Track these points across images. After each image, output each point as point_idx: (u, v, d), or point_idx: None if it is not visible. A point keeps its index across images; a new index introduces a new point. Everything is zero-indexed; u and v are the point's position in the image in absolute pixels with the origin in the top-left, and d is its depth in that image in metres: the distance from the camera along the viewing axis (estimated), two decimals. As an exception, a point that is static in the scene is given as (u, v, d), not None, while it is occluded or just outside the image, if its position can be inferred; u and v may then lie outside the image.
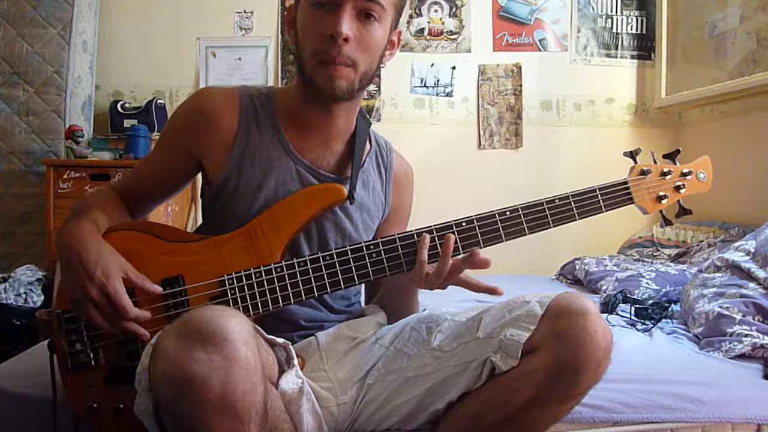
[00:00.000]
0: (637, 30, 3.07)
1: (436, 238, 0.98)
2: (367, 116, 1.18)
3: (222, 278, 0.97)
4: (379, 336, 1.10)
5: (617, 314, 1.77)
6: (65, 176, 2.46)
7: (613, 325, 1.60)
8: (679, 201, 1.08)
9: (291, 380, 0.91)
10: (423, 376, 1.00)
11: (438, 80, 3.03)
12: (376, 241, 0.99)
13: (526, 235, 1.01)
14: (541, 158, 3.03)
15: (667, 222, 1.10)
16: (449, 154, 3.01)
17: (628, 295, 1.88)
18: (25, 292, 2.24)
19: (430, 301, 1.24)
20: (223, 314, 0.75)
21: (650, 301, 1.82)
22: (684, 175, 1.07)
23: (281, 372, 0.92)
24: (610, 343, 0.89)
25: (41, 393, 1.07)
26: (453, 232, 0.99)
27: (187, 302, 0.97)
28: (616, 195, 1.04)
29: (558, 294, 0.94)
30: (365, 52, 1.01)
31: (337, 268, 0.98)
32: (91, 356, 0.95)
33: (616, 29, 3.07)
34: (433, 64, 3.04)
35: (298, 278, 0.98)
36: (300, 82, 1.07)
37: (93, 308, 0.90)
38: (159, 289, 0.95)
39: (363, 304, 1.25)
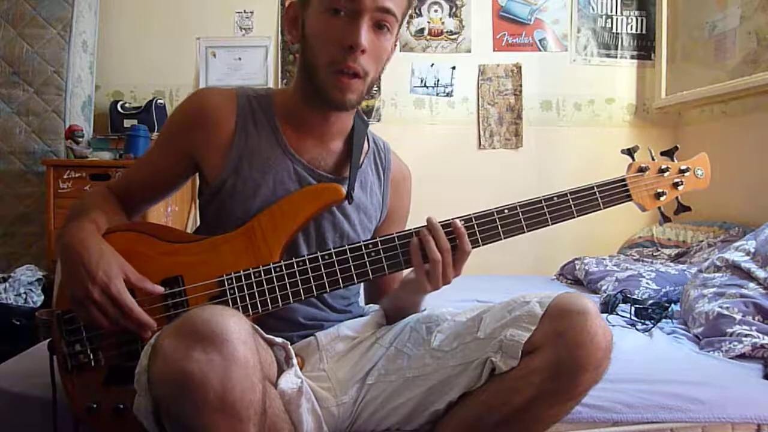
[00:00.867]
0: (637, 30, 3.07)
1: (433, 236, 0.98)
2: (364, 116, 1.18)
3: (221, 278, 0.97)
4: (379, 336, 1.09)
5: (617, 314, 1.77)
6: (65, 176, 2.46)
7: (613, 325, 1.60)
8: (677, 198, 1.09)
9: (290, 380, 0.91)
10: (423, 376, 1.00)
11: (438, 80, 3.03)
12: (374, 241, 0.99)
13: (524, 232, 1.01)
14: (541, 158, 3.03)
15: (665, 219, 1.10)
16: (449, 154, 3.01)
17: (628, 295, 1.88)
18: (25, 292, 2.24)
19: (430, 301, 1.24)
20: (222, 314, 0.75)
21: (650, 301, 1.81)
22: (682, 172, 1.08)
23: (280, 372, 0.92)
24: (611, 343, 0.89)
25: (41, 393, 1.07)
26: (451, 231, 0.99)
27: (187, 302, 0.97)
28: (614, 192, 1.05)
29: (558, 294, 0.94)
30: (376, 62, 1.01)
31: (336, 267, 0.98)
32: (91, 357, 0.95)
33: (616, 29, 3.07)
34: (433, 64, 3.04)
35: (297, 278, 0.98)
36: (302, 84, 1.06)
37: (95, 309, 0.90)
38: (160, 289, 0.95)
39: (362, 304, 1.25)
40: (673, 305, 1.79)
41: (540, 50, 3.05)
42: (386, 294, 1.20)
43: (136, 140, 2.56)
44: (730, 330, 1.45)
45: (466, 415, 0.94)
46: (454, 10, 3.04)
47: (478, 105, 3.04)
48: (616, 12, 3.06)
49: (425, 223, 0.99)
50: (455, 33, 3.04)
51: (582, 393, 0.90)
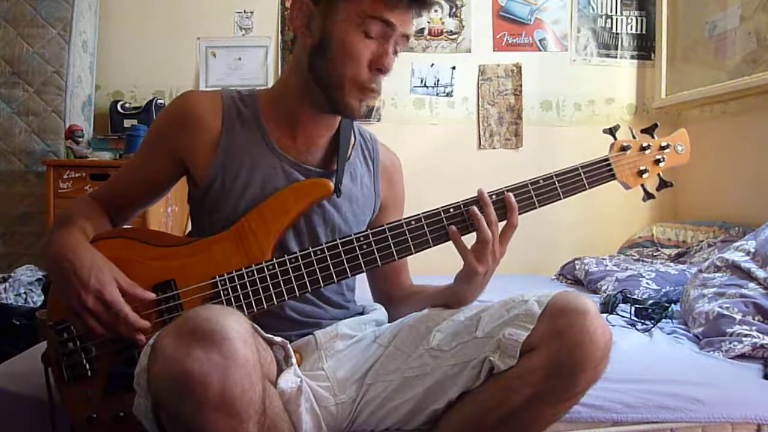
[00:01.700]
0: (637, 30, 3.07)
1: (425, 225, 1.01)
2: None
3: (214, 280, 0.97)
4: (378, 335, 1.10)
5: (617, 314, 1.77)
6: (65, 176, 2.46)
7: (613, 325, 1.60)
8: (659, 174, 1.11)
9: (289, 379, 0.91)
10: (422, 375, 1.00)
11: (438, 80, 3.03)
12: (366, 233, 1.00)
13: None
14: (541, 158, 3.02)
15: (648, 196, 1.13)
16: (449, 154, 3.01)
17: (628, 295, 1.88)
18: (25, 292, 2.24)
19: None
20: (222, 313, 0.75)
21: (650, 301, 1.81)
22: (662, 148, 1.10)
23: (279, 371, 0.92)
24: (609, 342, 0.89)
25: (41, 393, 1.07)
26: (442, 219, 1.00)
27: (181, 306, 0.96)
28: (599, 171, 1.07)
29: (557, 293, 0.94)
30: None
31: (329, 261, 0.99)
32: (88, 367, 0.95)
33: (616, 29, 3.07)
34: (433, 64, 3.04)
35: (291, 274, 0.98)
36: (305, 86, 1.06)
37: (90, 317, 0.90)
38: (151, 295, 0.95)
39: (360, 302, 1.25)
40: (673, 305, 1.79)
41: (540, 50, 3.05)
42: (395, 288, 1.20)
43: (136, 140, 2.55)
44: (730, 330, 1.45)
45: (466, 415, 0.94)
46: (454, 10, 3.04)
47: (478, 105, 3.04)
48: (616, 12, 3.06)
49: (417, 214, 1.00)
50: (455, 33, 3.04)
51: (581, 392, 0.90)
